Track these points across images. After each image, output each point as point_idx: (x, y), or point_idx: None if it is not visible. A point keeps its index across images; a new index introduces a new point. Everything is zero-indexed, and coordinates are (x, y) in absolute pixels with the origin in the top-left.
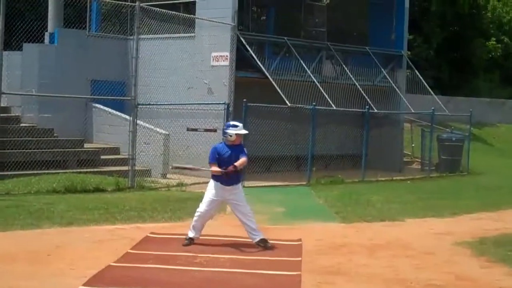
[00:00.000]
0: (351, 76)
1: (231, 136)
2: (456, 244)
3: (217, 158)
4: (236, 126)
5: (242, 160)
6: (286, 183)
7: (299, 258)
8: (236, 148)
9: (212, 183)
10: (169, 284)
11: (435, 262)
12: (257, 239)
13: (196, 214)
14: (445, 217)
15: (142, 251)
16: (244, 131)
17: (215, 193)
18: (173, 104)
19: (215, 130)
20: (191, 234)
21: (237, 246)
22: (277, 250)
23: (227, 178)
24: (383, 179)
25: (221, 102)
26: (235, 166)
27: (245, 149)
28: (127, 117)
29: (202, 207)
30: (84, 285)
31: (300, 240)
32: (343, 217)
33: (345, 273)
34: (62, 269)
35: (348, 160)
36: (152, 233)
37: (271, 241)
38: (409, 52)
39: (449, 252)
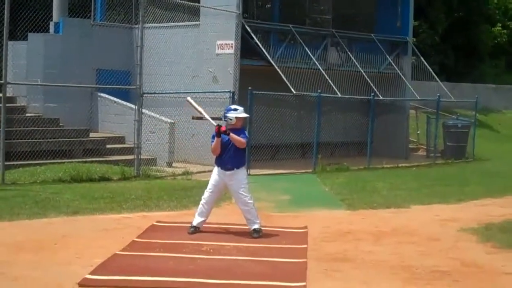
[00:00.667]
0: (357, 63)
1: (231, 119)
2: (462, 230)
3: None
4: (236, 109)
5: (239, 138)
6: (291, 170)
7: (305, 246)
8: (236, 132)
9: (215, 168)
10: (176, 272)
11: (440, 248)
12: (252, 228)
13: (201, 201)
14: (451, 204)
15: (148, 239)
16: (245, 114)
17: (217, 178)
18: (178, 93)
19: (220, 119)
20: (195, 222)
21: (244, 234)
22: (283, 238)
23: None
24: (388, 166)
25: (226, 91)
26: (225, 131)
27: (246, 132)
28: (133, 106)
29: (206, 193)
30: (90, 274)
31: (306, 227)
32: (348, 204)
33: (351, 260)
34: (68, 258)
35: (354, 147)
36: (158, 221)
37: (276, 229)
38: (414, 39)
39: (455, 238)
